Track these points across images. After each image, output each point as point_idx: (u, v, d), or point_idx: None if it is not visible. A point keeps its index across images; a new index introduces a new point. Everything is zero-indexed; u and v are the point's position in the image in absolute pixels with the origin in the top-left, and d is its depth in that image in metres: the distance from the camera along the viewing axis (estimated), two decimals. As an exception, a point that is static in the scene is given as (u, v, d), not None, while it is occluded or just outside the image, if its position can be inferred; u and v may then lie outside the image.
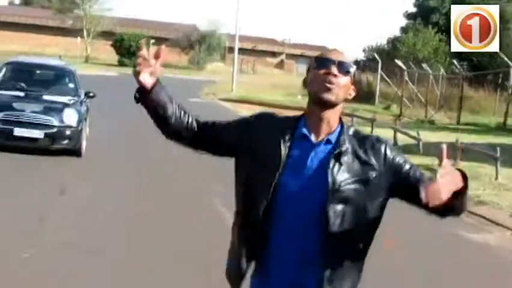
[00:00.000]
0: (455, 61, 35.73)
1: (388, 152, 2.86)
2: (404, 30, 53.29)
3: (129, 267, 7.08)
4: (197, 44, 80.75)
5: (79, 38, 70.35)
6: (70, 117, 13.41)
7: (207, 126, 3.06)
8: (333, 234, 2.75)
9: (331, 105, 2.84)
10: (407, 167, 2.86)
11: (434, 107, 32.96)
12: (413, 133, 18.49)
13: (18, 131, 12.98)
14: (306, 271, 2.83)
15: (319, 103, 2.84)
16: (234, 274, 2.99)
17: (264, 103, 33.39)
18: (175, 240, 8.24)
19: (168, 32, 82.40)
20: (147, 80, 2.90)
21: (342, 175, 2.77)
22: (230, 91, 40.65)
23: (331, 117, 2.86)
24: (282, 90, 42.40)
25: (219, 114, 21.27)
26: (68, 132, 13.25)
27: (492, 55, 32.87)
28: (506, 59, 29.45)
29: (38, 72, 15.89)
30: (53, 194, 10.21)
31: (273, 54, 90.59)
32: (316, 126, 2.87)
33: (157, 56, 2.90)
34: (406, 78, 35.29)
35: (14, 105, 13.43)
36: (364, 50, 61.05)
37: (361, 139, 2.88)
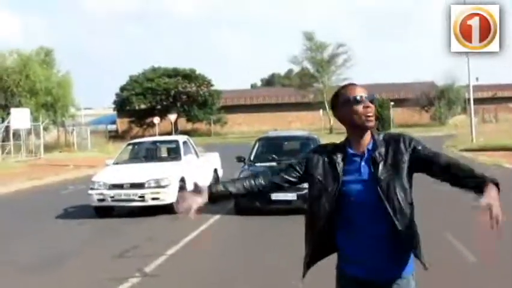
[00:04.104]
0: None
1: (407, 142, 3.72)
2: None
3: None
4: (436, 100, 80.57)
5: (321, 111, 72.75)
6: (319, 179, 15.15)
7: (275, 176, 3.89)
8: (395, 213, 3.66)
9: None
10: (422, 150, 3.74)
11: None
12: None
13: (275, 196, 14.87)
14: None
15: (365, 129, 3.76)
16: None
17: (506, 148, 33.44)
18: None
19: (406, 92, 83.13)
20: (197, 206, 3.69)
21: (379, 169, 3.68)
22: (470, 142, 40.98)
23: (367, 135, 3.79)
24: (528, 134, 41.58)
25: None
26: (319, 193, 15.00)
27: None
28: None
29: (285, 143, 18.12)
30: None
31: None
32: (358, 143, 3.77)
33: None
34: None
35: (270, 174, 15.48)
36: None
37: (390, 138, 3.77)
